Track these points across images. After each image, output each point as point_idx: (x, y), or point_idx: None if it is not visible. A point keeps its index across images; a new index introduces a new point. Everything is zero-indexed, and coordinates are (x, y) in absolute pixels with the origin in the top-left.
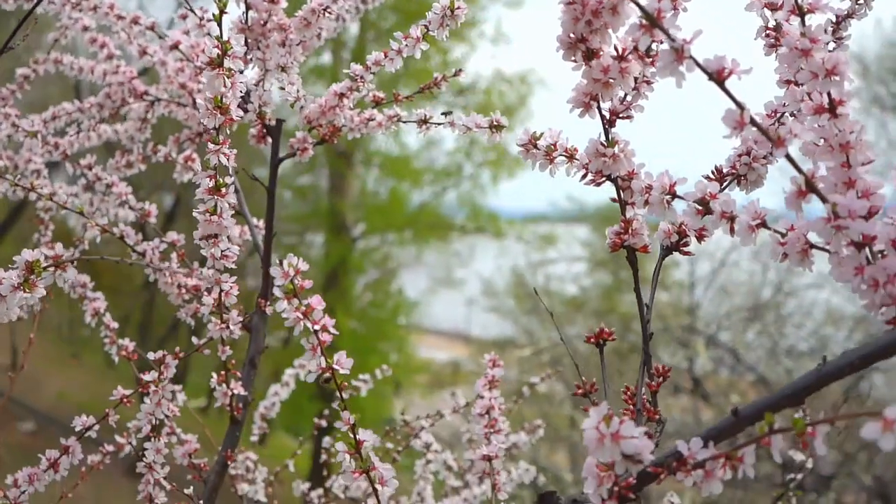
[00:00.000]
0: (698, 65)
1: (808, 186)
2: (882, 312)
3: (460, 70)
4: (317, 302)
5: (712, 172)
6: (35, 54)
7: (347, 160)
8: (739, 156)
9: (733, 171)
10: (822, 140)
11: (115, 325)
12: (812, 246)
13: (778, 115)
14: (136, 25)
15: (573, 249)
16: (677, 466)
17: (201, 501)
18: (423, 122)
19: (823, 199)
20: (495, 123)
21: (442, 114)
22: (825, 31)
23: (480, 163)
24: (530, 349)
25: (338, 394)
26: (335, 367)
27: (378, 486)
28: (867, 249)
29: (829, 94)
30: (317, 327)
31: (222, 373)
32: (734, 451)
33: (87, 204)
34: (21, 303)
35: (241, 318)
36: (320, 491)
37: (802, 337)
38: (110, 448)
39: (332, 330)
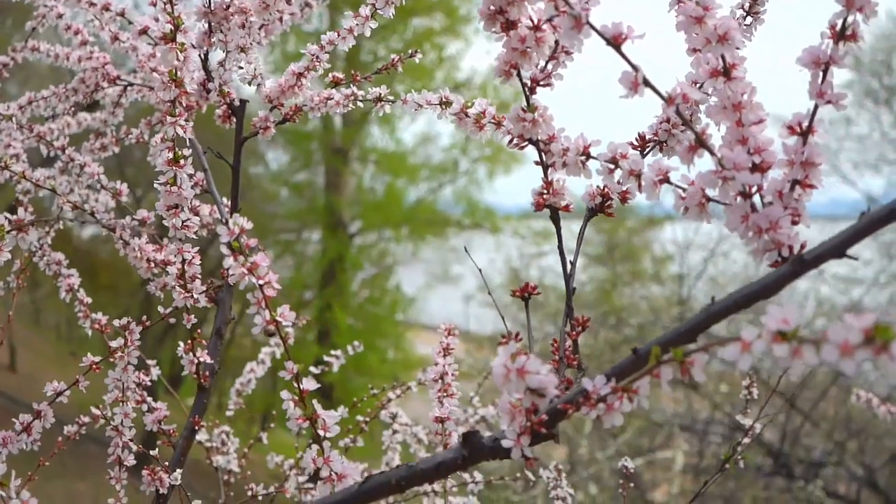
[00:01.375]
0: (596, 30)
1: (699, 142)
2: (766, 257)
3: (416, 51)
4: (261, 259)
5: (635, 139)
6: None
7: (344, 157)
8: (660, 123)
9: (655, 137)
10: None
11: (88, 300)
12: (709, 199)
13: (697, 84)
14: (106, 12)
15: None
16: (583, 402)
17: (167, 463)
18: (379, 99)
19: (713, 154)
20: (444, 100)
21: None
22: (742, 7)
23: (476, 159)
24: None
25: (283, 346)
26: (278, 319)
27: (321, 433)
28: (753, 199)
29: (723, 58)
30: (261, 282)
31: (189, 342)
32: (629, 385)
33: (63, 185)
34: None
35: (204, 288)
36: (291, 461)
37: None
38: (85, 419)
39: (276, 285)
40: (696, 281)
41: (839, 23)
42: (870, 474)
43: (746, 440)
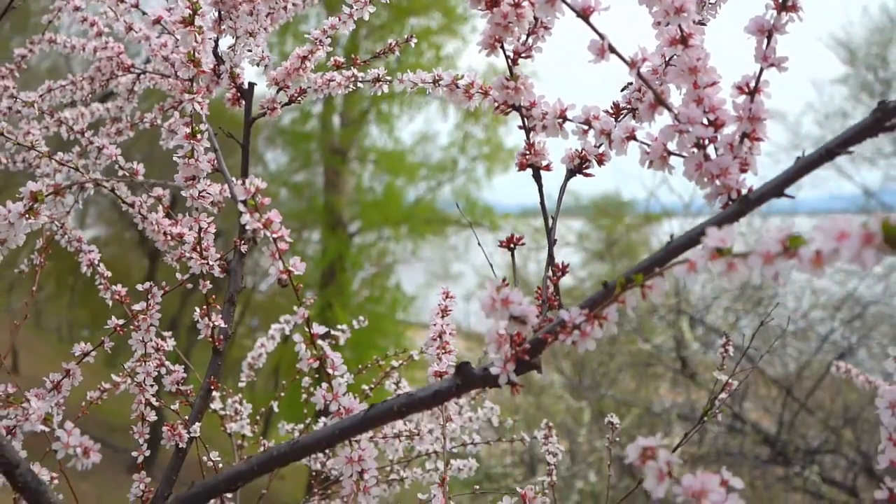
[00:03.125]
0: (567, 4)
1: (658, 100)
2: (718, 199)
3: (412, 37)
4: (275, 215)
5: (610, 107)
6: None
7: (342, 157)
8: (633, 92)
9: (629, 104)
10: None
11: (108, 273)
12: (669, 152)
13: (663, 55)
14: (121, 3)
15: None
16: (561, 331)
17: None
18: (377, 80)
19: (670, 110)
20: (437, 78)
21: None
22: None
23: (475, 157)
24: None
25: (295, 295)
26: (291, 268)
27: (330, 371)
28: (707, 151)
29: (680, 28)
30: (275, 236)
31: (204, 307)
32: (600, 311)
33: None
34: (26, 229)
35: (219, 255)
36: (301, 426)
37: (791, 318)
38: (106, 386)
39: (288, 238)
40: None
41: None
42: (866, 461)
43: (723, 395)
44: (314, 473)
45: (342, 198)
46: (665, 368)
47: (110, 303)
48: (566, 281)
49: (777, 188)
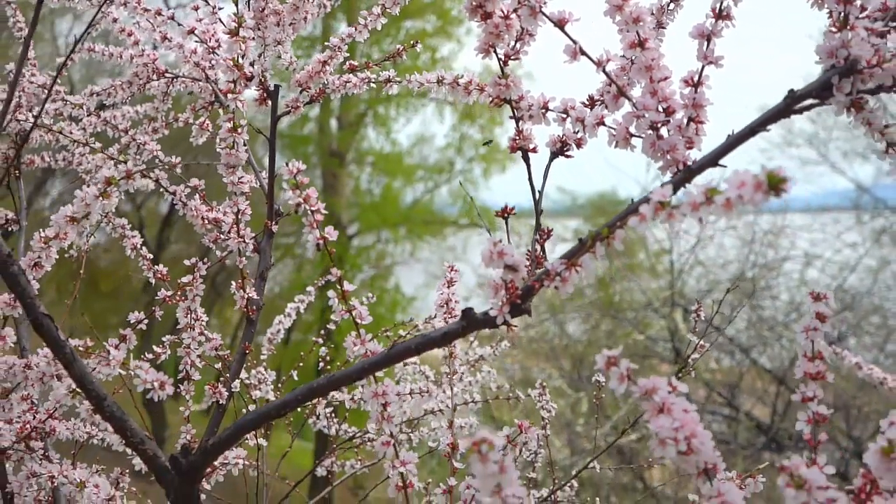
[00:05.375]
0: (546, 17)
1: (620, 92)
2: (669, 170)
3: (416, 42)
4: (312, 192)
5: (586, 99)
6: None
7: (340, 160)
8: (604, 86)
9: (601, 97)
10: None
11: (150, 255)
12: (631, 134)
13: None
14: (158, 17)
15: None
16: (546, 278)
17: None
18: (388, 80)
19: (629, 100)
20: (440, 78)
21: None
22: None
23: (471, 158)
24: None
25: (328, 256)
26: (326, 235)
27: (358, 321)
28: (661, 132)
29: (637, 34)
30: (313, 208)
31: (240, 280)
32: (576, 260)
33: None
34: (101, 210)
35: (254, 235)
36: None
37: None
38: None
39: (324, 211)
40: (685, 264)
41: (718, 6)
42: (857, 446)
43: (696, 355)
44: (331, 439)
45: (340, 200)
46: (660, 360)
47: (153, 281)
48: None
49: (712, 160)
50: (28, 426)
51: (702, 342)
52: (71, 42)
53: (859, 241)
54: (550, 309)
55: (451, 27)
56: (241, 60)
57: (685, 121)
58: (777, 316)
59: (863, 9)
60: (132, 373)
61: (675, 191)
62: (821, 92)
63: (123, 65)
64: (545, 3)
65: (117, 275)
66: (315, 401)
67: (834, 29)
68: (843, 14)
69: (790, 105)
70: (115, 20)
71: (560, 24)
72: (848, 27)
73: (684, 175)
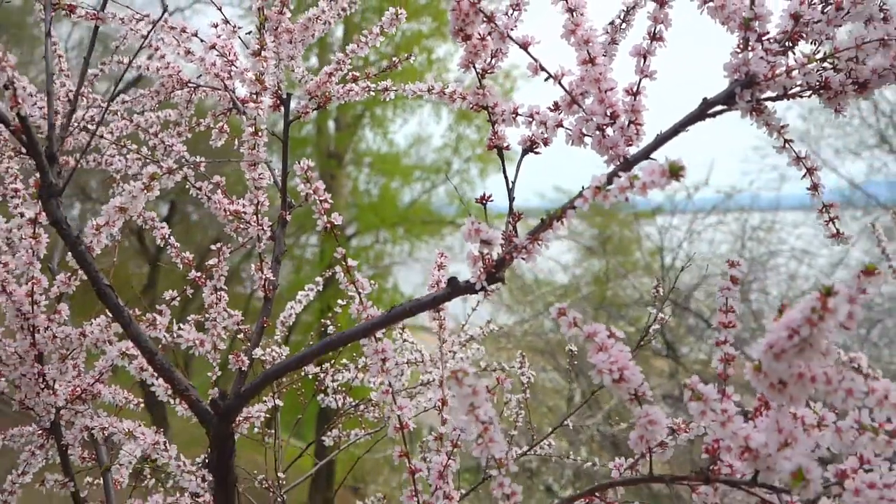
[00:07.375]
0: (512, 39)
1: (573, 100)
2: (613, 163)
3: (410, 55)
4: (320, 184)
5: (552, 104)
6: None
7: (338, 161)
8: (563, 96)
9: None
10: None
11: (177, 244)
12: (584, 134)
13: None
14: (183, 34)
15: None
16: (515, 251)
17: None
18: (386, 90)
19: (580, 106)
20: (431, 87)
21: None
22: (619, 17)
23: (468, 158)
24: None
25: (335, 237)
26: (332, 220)
27: (360, 291)
28: (606, 132)
29: (588, 53)
30: (321, 198)
31: (258, 263)
32: (539, 236)
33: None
34: (145, 199)
35: (271, 223)
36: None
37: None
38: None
39: (329, 200)
40: (675, 259)
41: (653, 29)
42: None
43: (656, 326)
44: (332, 410)
45: (339, 201)
46: (652, 353)
47: (181, 267)
48: (562, 279)
49: (644, 154)
50: (78, 388)
51: (662, 315)
52: (71, 44)
53: (853, 236)
54: (546, 304)
55: (446, 29)
56: (262, 76)
57: (626, 123)
58: (767, 310)
59: (762, 35)
60: (175, 335)
61: (610, 180)
62: (727, 99)
63: (151, 76)
64: (513, 28)
65: (117, 276)
66: (322, 376)
67: (738, 49)
68: (744, 38)
69: (704, 110)
70: (143, 36)
71: (524, 45)
72: (749, 48)
73: (622, 166)
